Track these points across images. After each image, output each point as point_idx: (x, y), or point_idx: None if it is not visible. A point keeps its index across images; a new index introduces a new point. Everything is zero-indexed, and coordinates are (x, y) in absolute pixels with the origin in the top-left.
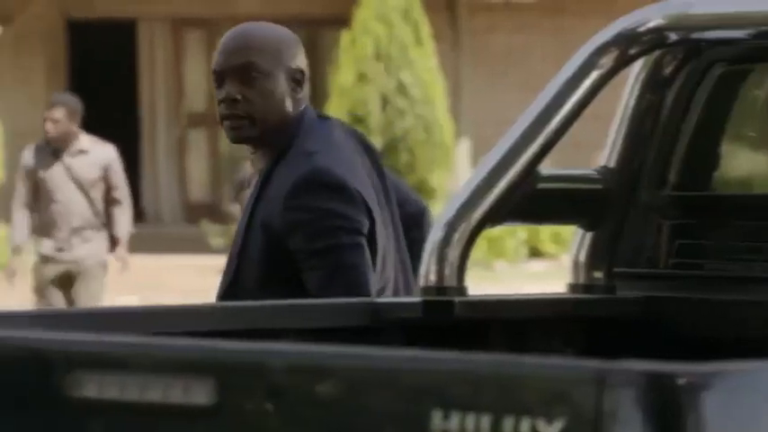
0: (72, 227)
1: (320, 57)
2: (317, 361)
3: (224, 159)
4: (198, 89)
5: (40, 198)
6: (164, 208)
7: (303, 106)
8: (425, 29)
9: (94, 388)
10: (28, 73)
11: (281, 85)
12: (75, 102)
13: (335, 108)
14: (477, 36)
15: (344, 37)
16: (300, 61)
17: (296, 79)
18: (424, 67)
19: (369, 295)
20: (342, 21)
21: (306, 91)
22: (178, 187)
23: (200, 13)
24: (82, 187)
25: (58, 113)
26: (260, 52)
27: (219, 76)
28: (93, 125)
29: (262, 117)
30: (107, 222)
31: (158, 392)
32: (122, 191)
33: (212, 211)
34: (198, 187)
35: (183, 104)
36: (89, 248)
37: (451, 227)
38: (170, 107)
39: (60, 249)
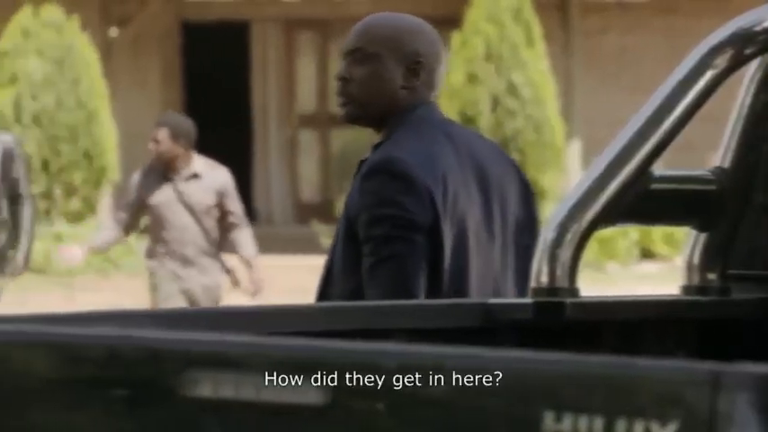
0: (185, 256)
1: None
2: (429, 361)
3: (335, 160)
4: (309, 90)
5: (152, 224)
6: (275, 208)
7: (421, 99)
8: (537, 29)
9: (210, 387)
10: (143, 74)
11: (390, 70)
12: (183, 123)
13: (446, 109)
14: (589, 37)
15: (455, 38)
16: (419, 50)
17: (410, 68)
18: (535, 68)
19: (412, 288)
20: (452, 21)
21: (427, 82)
22: (289, 188)
23: (312, 15)
24: (195, 214)
25: (161, 134)
26: (373, 37)
27: (342, 58)
28: (206, 126)
29: (366, 100)
30: (220, 251)
31: (272, 392)
32: (240, 216)
33: (323, 212)
34: (309, 187)
35: (294, 105)
36: (203, 281)
37: (563, 228)
38: (282, 108)
39: (179, 278)
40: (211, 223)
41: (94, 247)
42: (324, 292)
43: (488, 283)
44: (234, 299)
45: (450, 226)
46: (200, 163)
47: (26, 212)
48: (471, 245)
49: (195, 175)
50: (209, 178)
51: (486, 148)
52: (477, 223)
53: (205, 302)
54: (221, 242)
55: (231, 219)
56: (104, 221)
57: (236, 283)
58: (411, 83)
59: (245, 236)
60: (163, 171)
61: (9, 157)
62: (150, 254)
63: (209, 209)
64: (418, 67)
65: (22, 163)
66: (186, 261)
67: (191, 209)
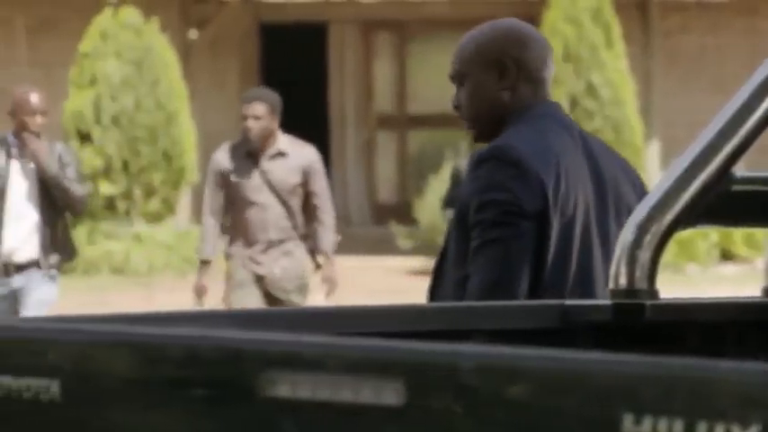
0: (269, 239)
1: None
2: (507, 362)
3: (412, 161)
4: (387, 91)
5: (233, 205)
6: (352, 209)
7: (530, 95)
8: (616, 30)
9: (287, 387)
10: (222, 76)
11: (483, 82)
12: (276, 97)
13: None
14: (668, 37)
15: None
16: (502, 50)
17: (499, 69)
18: (614, 69)
19: (514, 273)
20: (530, 22)
21: (527, 77)
22: (366, 189)
23: (389, 16)
24: (279, 194)
25: (260, 109)
26: (460, 57)
27: None
28: (284, 127)
29: (476, 116)
30: (308, 235)
31: (349, 392)
32: (324, 198)
33: (400, 213)
34: (386, 189)
35: (371, 106)
36: (288, 265)
37: (642, 229)
38: (359, 109)
39: (256, 263)
40: (296, 204)
41: (208, 260)
42: (436, 282)
43: (595, 280)
44: (311, 299)
45: (560, 216)
46: (285, 140)
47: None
48: (577, 237)
49: (280, 153)
50: (294, 156)
51: (600, 147)
52: (589, 217)
53: (287, 286)
54: (307, 224)
55: (315, 200)
56: (204, 228)
57: (318, 266)
58: (506, 83)
59: (325, 224)
60: (247, 149)
61: (60, 165)
62: (228, 236)
63: (294, 188)
64: (504, 67)
65: (73, 170)
66: (269, 244)
67: (274, 189)
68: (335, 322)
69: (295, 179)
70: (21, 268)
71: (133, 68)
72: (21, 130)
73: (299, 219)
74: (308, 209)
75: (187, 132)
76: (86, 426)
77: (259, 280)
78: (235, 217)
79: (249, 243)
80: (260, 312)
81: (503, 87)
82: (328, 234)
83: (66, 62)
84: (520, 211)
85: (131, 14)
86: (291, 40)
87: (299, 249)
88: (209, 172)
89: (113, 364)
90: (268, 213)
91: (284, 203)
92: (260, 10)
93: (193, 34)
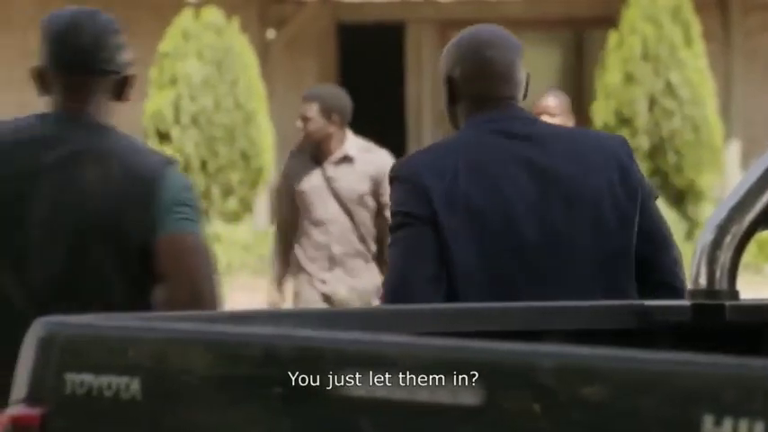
0: (332, 254)
1: (587, 58)
2: (586, 363)
3: None
4: None
5: (300, 216)
6: None
7: (468, 112)
8: (696, 28)
9: (364, 386)
10: (300, 76)
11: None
12: (336, 96)
13: (602, 109)
14: (750, 35)
15: (612, 37)
16: (445, 70)
17: (446, 89)
18: (694, 68)
19: (411, 264)
20: (609, 21)
21: (465, 95)
22: None
23: (466, 16)
24: (345, 205)
25: (311, 110)
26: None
27: None
28: (361, 126)
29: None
30: (380, 252)
31: (427, 392)
32: None
33: None
34: None
35: None
36: (353, 284)
37: (723, 229)
38: (436, 108)
39: (321, 281)
40: (365, 216)
41: (279, 283)
42: None
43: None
44: None
45: (460, 213)
46: (354, 144)
47: None
48: (489, 226)
49: (346, 158)
50: (362, 162)
51: (564, 147)
52: (515, 210)
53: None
54: (379, 239)
55: (387, 213)
56: (274, 243)
57: None
58: (448, 102)
59: None
60: (312, 153)
61: None
62: (297, 251)
63: (362, 198)
64: (447, 86)
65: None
66: (333, 260)
67: (339, 198)
68: (411, 322)
69: (362, 187)
70: None
71: (213, 68)
72: None
73: (369, 234)
74: (380, 222)
75: (265, 132)
76: (166, 423)
77: (326, 299)
78: (301, 229)
79: (314, 259)
80: (336, 312)
81: (448, 105)
82: None
83: (145, 62)
84: (413, 217)
85: (213, 14)
86: (369, 39)
87: (367, 268)
88: (278, 180)
89: (192, 362)
90: (332, 226)
91: (351, 215)
92: (338, 10)
93: (272, 34)
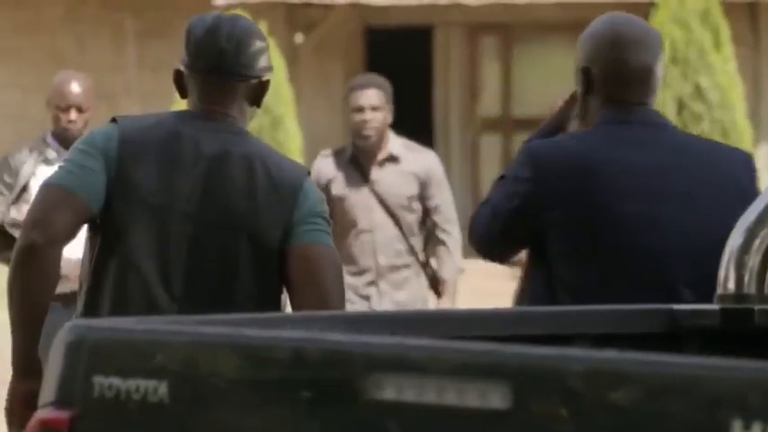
0: (379, 265)
1: None
2: (614, 367)
3: None
4: (492, 94)
5: (337, 224)
6: (456, 212)
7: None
8: (725, 32)
9: (393, 390)
10: (327, 80)
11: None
12: (389, 85)
13: None
14: None
15: None
16: (584, 58)
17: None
18: (723, 71)
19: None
20: None
21: (599, 88)
22: (471, 191)
23: (495, 19)
24: (391, 210)
25: (377, 97)
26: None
27: None
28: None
29: None
30: (428, 261)
31: (455, 395)
32: (448, 214)
33: None
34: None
35: (476, 109)
36: (403, 299)
37: (751, 233)
38: (464, 112)
39: (364, 297)
40: (413, 222)
41: None
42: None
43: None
44: None
45: (572, 211)
46: (397, 143)
47: None
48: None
49: (392, 158)
50: (409, 161)
51: (686, 162)
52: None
53: None
54: (426, 246)
55: (436, 217)
56: None
57: (440, 297)
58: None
59: (449, 246)
60: (354, 153)
61: None
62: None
63: (410, 202)
64: (585, 77)
65: None
66: (378, 272)
67: (385, 202)
68: (439, 325)
69: (410, 190)
70: None
71: None
72: (55, 127)
73: (417, 241)
74: (428, 228)
75: (293, 136)
76: (193, 426)
77: None
78: (339, 238)
79: (356, 271)
80: (364, 315)
81: (583, 94)
82: (451, 259)
83: (174, 66)
84: (525, 182)
85: None
86: (397, 43)
87: (417, 279)
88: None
89: (220, 365)
90: (377, 234)
91: (397, 221)
92: (366, 14)
93: (299, 38)
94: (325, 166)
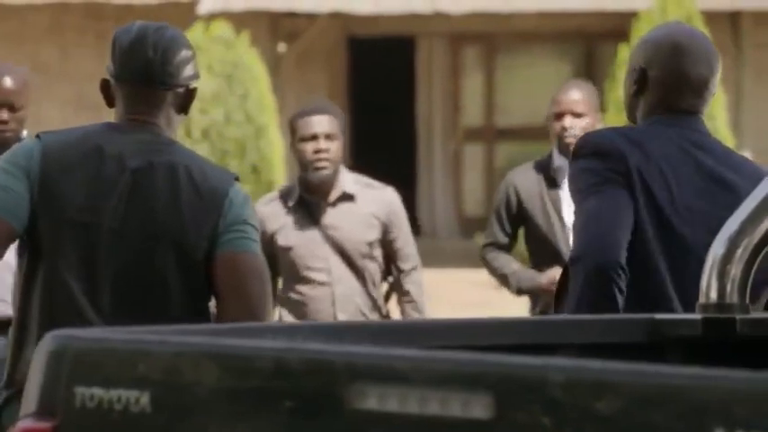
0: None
1: (597, 71)
2: (596, 376)
3: (500, 173)
4: (475, 104)
5: (284, 278)
6: (438, 222)
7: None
8: None
9: (376, 399)
10: (310, 89)
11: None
12: (341, 112)
13: (613, 122)
14: (760, 49)
15: (622, 51)
16: (639, 61)
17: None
18: None
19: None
20: (619, 35)
21: (655, 92)
22: (453, 201)
23: (477, 29)
24: (350, 259)
25: (331, 124)
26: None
27: None
28: (371, 140)
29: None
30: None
31: (438, 405)
32: (410, 254)
33: (486, 226)
34: (473, 201)
35: (459, 119)
36: None
37: (734, 242)
38: (446, 122)
39: None
40: (375, 271)
41: None
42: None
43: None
44: None
45: (647, 193)
46: (349, 179)
47: None
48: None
49: (346, 197)
50: (367, 201)
51: (732, 165)
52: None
53: None
54: (388, 296)
55: (400, 263)
56: None
57: None
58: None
59: (413, 296)
60: (302, 194)
61: None
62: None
63: (371, 249)
64: (641, 78)
65: None
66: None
67: (342, 250)
68: (422, 335)
69: (371, 234)
70: None
71: (223, 82)
72: None
73: (379, 294)
74: (391, 279)
75: (276, 146)
76: None
77: None
78: (290, 292)
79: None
80: (346, 325)
81: (634, 94)
82: (415, 296)
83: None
84: (612, 173)
85: (222, 28)
86: (380, 53)
87: None
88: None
89: (203, 375)
90: (336, 287)
91: (357, 272)
92: (349, 23)
93: (282, 48)
94: (271, 214)
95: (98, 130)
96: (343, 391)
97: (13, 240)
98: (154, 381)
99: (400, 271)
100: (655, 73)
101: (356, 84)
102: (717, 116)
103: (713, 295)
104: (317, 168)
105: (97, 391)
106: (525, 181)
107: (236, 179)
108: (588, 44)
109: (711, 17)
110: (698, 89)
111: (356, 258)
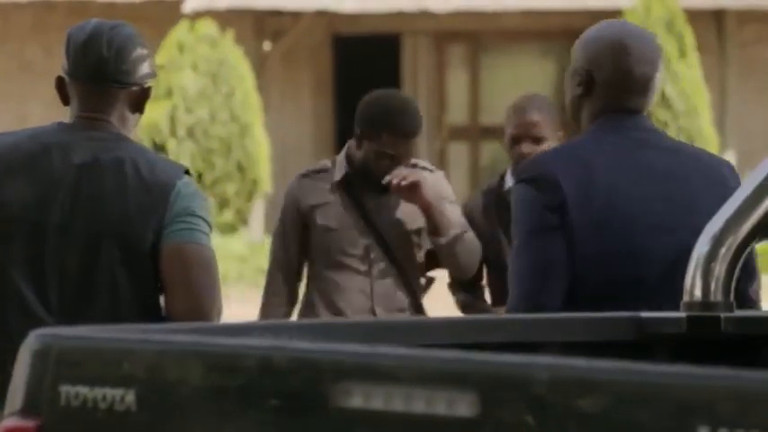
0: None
1: None
2: (581, 375)
3: (485, 172)
4: (460, 102)
5: (315, 263)
6: None
7: (599, 109)
8: (690, 40)
9: (361, 398)
10: (295, 88)
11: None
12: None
13: None
14: (744, 47)
15: None
16: (580, 61)
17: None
18: (688, 79)
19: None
20: None
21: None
22: None
23: (462, 28)
24: (393, 250)
25: (412, 146)
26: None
27: None
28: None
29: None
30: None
31: (423, 403)
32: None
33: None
34: (458, 199)
35: (444, 118)
36: None
37: (718, 241)
38: (432, 120)
39: None
40: (417, 260)
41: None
42: None
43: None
44: None
45: (586, 221)
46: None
47: None
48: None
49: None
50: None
51: (683, 162)
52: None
53: None
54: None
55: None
56: (264, 299)
57: None
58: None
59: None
60: (348, 172)
61: None
62: (304, 312)
63: (419, 237)
64: (585, 80)
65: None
66: None
67: (386, 240)
68: (409, 334)
69: (419, 221)
70: None
71: (208, 80)
72: None
73: (419, 287)
74: (430, 269)
75: (260, 144)
76: None
77: None
78: (316, 282)
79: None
80: (333, 323)
81: (579, 96)
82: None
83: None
84: (543, 223)
85: (208, 27)
86: (365, 51)
87: None
88: (283, 207)
89: (188, 374)
90: (374, 281)
91: (400, 264)
92: (334, 22)
93: (267, 46)
94: (314, 188)
95: (47, 130)
96: (329, 390)
97: None
98: (139, 379)
99: (435, 260)
100: (600, 74)
101: (341, 82)
102: (701, 114)
103: (698, 293)
104: (385, 174)
105: (82, 390)
106: (476, 210)
107: (187, 172)
108: (573, 42)
109: (695, 15)
110: (643, 88)
111: (400, 249)
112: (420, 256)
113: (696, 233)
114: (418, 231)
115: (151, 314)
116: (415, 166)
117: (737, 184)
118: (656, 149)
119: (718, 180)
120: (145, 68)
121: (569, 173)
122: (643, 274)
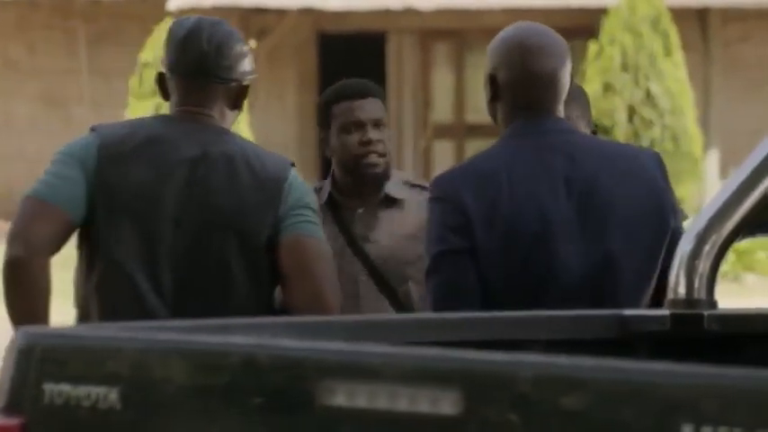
0: None
1: None
2: (565, 372)
3: None
4: (445, 100)
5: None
6: None
7: (510, 114)
8: (675, 38)
9: (345, 396)
10: (281, 85)
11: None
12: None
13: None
14: (729, 45)
15: (591, 48)
16: (494, 69)
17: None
18: (673, 78)
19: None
20: (588, 31)
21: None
22: None
23: (447, 26)
24: (385, 281)
25: (380, 110)
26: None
27: None
28: None
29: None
30: None
31: (406, 401)
32: None
33: None
34: None
35: (429, 116)
36: None
37: (701, 239)
38: (417, 118)
39: None
40: (414, 292)
41: None
42: None
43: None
44: None
45: (496, 238)
46: (393, 178)
47: None
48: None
49: (389, 201)
50: (414, 207)
51: (600, 165)
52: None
53: None
54: None
55: None
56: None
57: None
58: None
59: None
60: (333, 193)
61: None
62: None
63: (414, 266)
64: (492, 85)
65: None
66: None
67: (376, 270)
68: (394, 332)
69: (417, 248)
70: None
71: None
72: None
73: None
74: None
75: None
76: None
77: None
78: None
79: None
80: (317, 321)
81: (490, 101)
82: None
83: (127, 72)
84: (451, 246)
85: None
86: (350, 49)
87: None
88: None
89: (171, 372)
90: (363, 310)
91: (393, 295)
92: (319, 20)
93: (252, 44)
94: None
95: (153, 122)
96: (313, 388)
97: (70, 229)
98: (123, 377)
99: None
100: (502, 75)
101: (327, 80)
102: (686, 113)
103: (681, 291)
104: (369, 165)
105: (65, 388)
106: None
107: (293, 165)
108: None
109: (680, 14)
110: (548, 84)
111: (393, 280)
112: (415, 288)
113: (611, 238)
114: (414, 261)
115: (264, 306)
116: (408, 183)
117: (664, 173)
118: (565, 154)
119: (636, 172)
120: (245, 65)
121: (474, 191)
122: (555, 289)
